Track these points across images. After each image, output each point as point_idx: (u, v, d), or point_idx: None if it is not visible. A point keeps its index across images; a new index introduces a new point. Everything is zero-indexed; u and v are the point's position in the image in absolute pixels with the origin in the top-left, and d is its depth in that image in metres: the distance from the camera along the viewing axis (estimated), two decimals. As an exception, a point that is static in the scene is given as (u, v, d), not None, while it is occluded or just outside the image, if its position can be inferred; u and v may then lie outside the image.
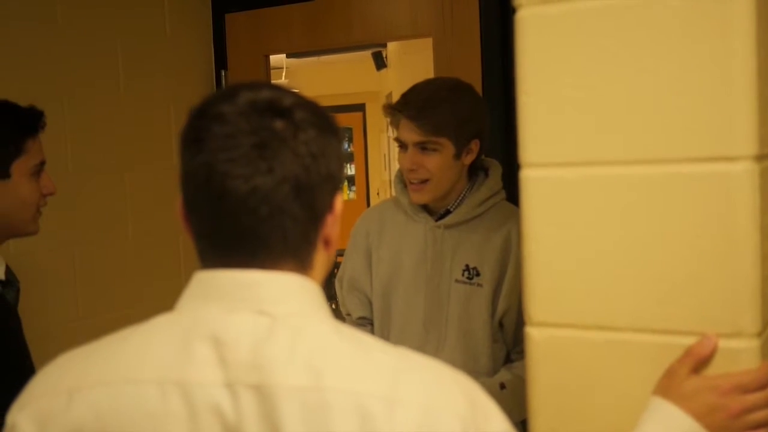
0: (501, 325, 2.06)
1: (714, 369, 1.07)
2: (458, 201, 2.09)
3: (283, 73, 6.00)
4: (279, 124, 0.91)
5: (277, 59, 5.36)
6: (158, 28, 2.82)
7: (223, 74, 2.94)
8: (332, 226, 0.97)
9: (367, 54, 6.20)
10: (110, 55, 2.67)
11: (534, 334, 1.18)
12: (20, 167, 1.69)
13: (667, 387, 1.07)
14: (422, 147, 2.00)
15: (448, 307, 2.04)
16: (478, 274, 2.04)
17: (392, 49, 6.10)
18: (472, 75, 2.50)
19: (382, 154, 7.49)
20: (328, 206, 0.96)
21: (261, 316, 0.91)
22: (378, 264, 2.17)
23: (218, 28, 2.95)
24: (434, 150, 2.00)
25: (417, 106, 2.00)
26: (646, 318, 1.12)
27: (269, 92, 0.94)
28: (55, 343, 1.73)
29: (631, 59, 1.12)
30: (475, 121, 2.05)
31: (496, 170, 2.14)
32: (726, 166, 1.07)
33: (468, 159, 2.06)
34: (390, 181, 7.33)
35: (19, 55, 2.38)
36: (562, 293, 1.17)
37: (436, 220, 2.09)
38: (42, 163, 1.74)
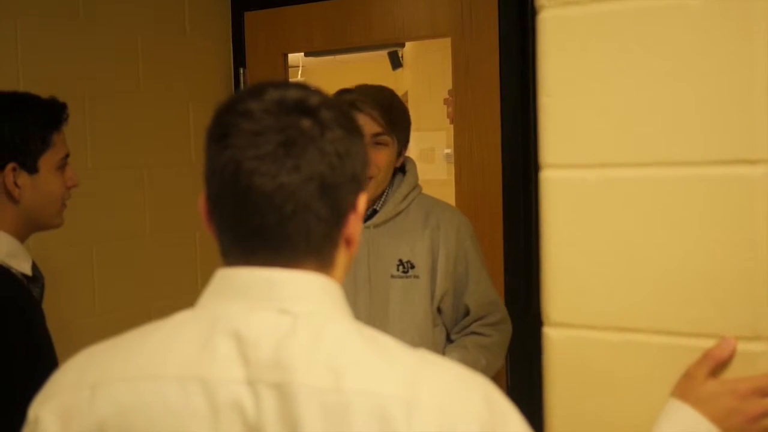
0: (439, 309, 2.17)
1: (732, 372, 1.08)
2: (383, 200, 2.19)
3: (299, 72, 6.00)
4: (306, 123, 0.92)
5: (293, 58, 5.37)
6: (178, 26, 2.84)
7: (241, 72, 2.95)
8: (355, 225, 0.98)
9: (382, 53, 6.20)
10: (130, 52, 2.68)
11: (552, 334, 1.19)
12: (47, 161, 1.70)
13: (684, 389, 1.07)
14: (376, 142, 2.08)
15: (389, 303, 2.11)
16: (412, 267, 2.13)
17: (408, 48, 6.10)
18: (490, 76, 2.50)
19: (397, 153, 7.50)
20: (352, 206, 0.96)
21: (283, 314, 0.91)
22: None
23: (237, 26, 2.96)
24: (385, 145, 2.11)
25: (377, 99, 2.10)
26: (664, 320, 1.13)
27: (297, 91, 0.95)
28: (72, 338, 1.75)
29: (652, 62, 1.12)
30: (409, 128, 2.22)
31: (412, 166, 2.25)
32: (746, 169, 1.07)
33: (399, 162, 2.20)
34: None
35: (41, 51, 2.40)
36: (580, 294, 1.17)
37: (364, 221, 2.12)
38: (66, 156, 1.75)
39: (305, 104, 0.93)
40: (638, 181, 1.14)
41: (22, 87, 1.81)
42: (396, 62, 6.53)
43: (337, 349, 0.90)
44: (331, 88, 2.17)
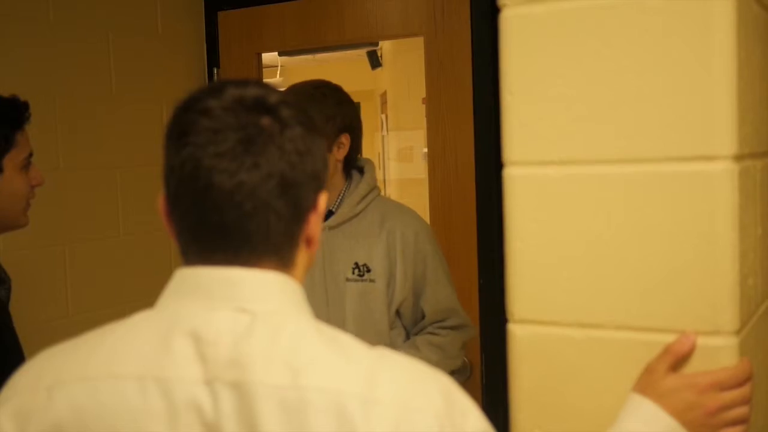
0: (398, 312, 2.16)
1: (692, 367, 1.08)
2: (338, 201, 2.14)
3: (278, 72, 5.99)
4: (265, 121, 0.92)
5: (271, 58, 5.36)
6: (150, 26, 2.82)
7: (215, 72, 2.94)
8: (315, 224, 0.98)
9: (361, 53, 6.19)
10: (102, 53, 2.67)
11: (516, 331, 1.19)
12: (11, 160, 1.70)
13: (645, 384, 1.08)
14: None
15: (345, 306, 2.10)
16: (368, 270, 2.10)
17: (387, 48, 6.10)
18: (463, 74, 2.51)
19: (377, 152, 7.49)
20: (312, 205, 0.96)
21: (241, 313, 0.91)
22: None
23: (211, 26, 2.95)
24: None
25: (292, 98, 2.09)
26: (626, 315, 1.13)
27: (256, 89, 0.94)
28: (44, 340, 1.72)
29: (613, 59, 1.13)
30: (340, 116, 2.10)
31: (370, 167, 2.21)
32: (705, 166, 1.08)
33: (340, 153, 2.12)
34: (385, 180, 7.33)
35: (10, 51, 2.38)
36: (543, 291, 1.18)
37: None
38: (30, 155, 1.74)
39: (264, 102, 0.93)
40: (600, 177, 1.14)
41: None
42: (375, 62, 6.52)
43: (295, 347, 0.90)
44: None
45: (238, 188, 0.90)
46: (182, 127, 0.93)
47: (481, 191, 2.51)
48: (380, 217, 2.14)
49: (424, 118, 5.76)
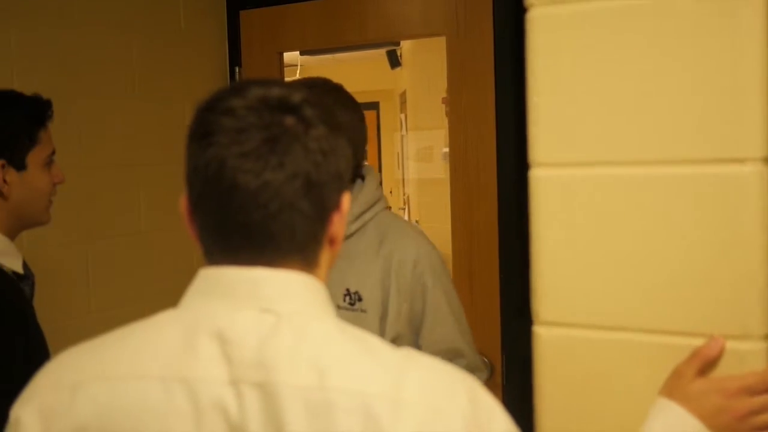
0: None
1: (721, 371, 1.07)
2: None
3: (298, 71, 6.00)
4: (289, 120, 0.91)
5: (292, 57, 5.37)
6: (173, 25, 2.83)
7: (237, 71, 2.94)
8: (338, 224, 0.97)
9: (381, 52, 6.19)
10: (125, 51, 2.68)
11: (541, 332, 1.19)
12: (35, 158, 1.71)
13: (673, 388, 1.07)
14: None
15: None
16: (360, 299, 1.86)
17: (406, 47, 6.10)
18: (485, 74, 2.50)
19: (396, 152, 7.49)
20: (336, 204, 0.96)
21: (265, 314, 0.90)
22: None
23: (233, 25, 2.95)
24: None
25: None
26: (653, 319, 1.12)
27: (279, 89, 0.94)
28: (66, 337, 1.74)
29: (642, 60, 1.12)
30: (347, 121, 1.79)
31: (372, 177, 1.92)
32: (735, 168, 1.07)
33: None
34: (403, 179, 7.33)
35: (34, 48, 2.40)
36: (569, 292, 1.17)
37: None
38: (53, 153, 1.76)
39: (288, 102, 0.93)
40: (629, 179, 1.13)
41: (16, 87, 1.81)
42: (394, 61, 6.53)
43: (320, 347, 0.90)
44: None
45: (264, 188, 0.89)
46: (206, 127, 0.92)
47: (503, 191, 2.50)
48: (379, 238, 1.87)
49: (444, 118, 5.76)
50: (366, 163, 1.96)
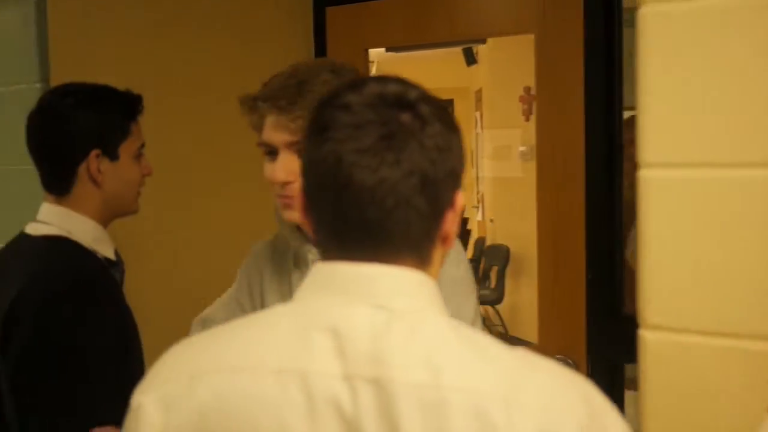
0: None
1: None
2: None
3: (374, 67, 6.03)
4: (406, 117, 0.92)
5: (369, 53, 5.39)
6: (260, 21, 2.86)
7: (322, 67, 2.96)
8: (452, 222, 0.97)
9: (457, 49, 6.18)
10: (209, 47, 2.71)
11: (647, 336, 1.17)
12: (126, 149, 1.77)
13: None
14: (299, 149, 1.44)
15: None
16: None
17: (483, 45, 6.06)
18: (574, 73, 2.46)
19: (470, 150, 7.46)
20: (450, 202, 0.96)
21: (379, 310, 0.91)
22: None
23: (319, 22, 2.98)
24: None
25: (288, 94, 1.48)
26: (764, 326, 1.09)
27: (396, 85, 0.94)
28: (149, 325, 1.79)
29: (757, 59, 1.09)
30: None
31: None
32: None
33: None
34: (477, 177, 7.29)
35: (121, 47, 2.45)
36: (677, 296, 1.14)
37: (308, 255, 1.59)
38: (142, 146, 1.82)
39: (405, 98, 0.93)
40: (741, 181, 1.11)
41: (114, 83, 1.86)
42: (470, 58, 6.50)
43: (434, 345, 0.90)
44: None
45: (380, 185, 0.90)
46: (323, 122, 0.93)
47: (591, 191, 2.46)
48: None
49: (521, 117, 5.71)
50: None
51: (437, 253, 0.98)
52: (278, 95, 1.48)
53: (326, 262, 0.95)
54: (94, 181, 1.73)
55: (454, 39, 2.77)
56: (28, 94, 2.17)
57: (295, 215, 1.46)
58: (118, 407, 1.56)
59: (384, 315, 0.91)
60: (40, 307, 1.60)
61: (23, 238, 1.77)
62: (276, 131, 1.48)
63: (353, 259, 0.93)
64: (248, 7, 2.83)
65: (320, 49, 2.97)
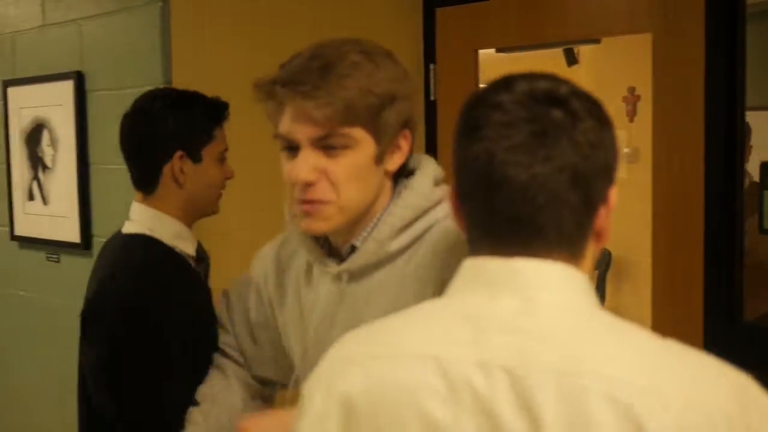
0: None
1: None
2: (369, 230, 1.34)
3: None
4: (557, 114, 0.93)
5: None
6: (369, 21, 2.88)
7: (431, 68, 2.97)
8: (605, 218, 0.98)
9: (557, 49, 6.09)
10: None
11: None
12: (210, 153, 1.82)
13: None
14: (324, 146, 1.26)
15: None
16: None
17: (585, 45, 5.97)
18: (694, 75, 2.39)
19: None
20: (603, 198, 0.97)
21: (524, 302, 0.92)
22: (284, 330, 1.55)
23: (428, 23, 2.98)
24: (344, 148, 1.26)
25: (313, 77, 1.25)
26: None
27: (546, 82, 0.96)
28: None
29: None
30: (402, 99, 1.30)
31: (425, 172, 1.36)
32: None
33: (394, 163, 1.33)
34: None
35: (210, 52, 2.48)
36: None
37: (340, 264, 1.38)
38: (226, 150, 1.88)
39: (555, 95, 0.94)
40: None
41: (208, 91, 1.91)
42: (571, 59, 6.39)
43: (574, 333, 0.90)
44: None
45: (532, 181, 0.91)
46: (474, 121, 0.96)
47: (710, 199, 2.38)
48: (428, 264, 1.30)
49: (624, 117, 5.61)
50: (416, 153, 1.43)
51: (590, 249, 0.98)
52: (300, 79, 1.25)
53: (477, 258, 0.97)
54: (177, 182, 1.79)
55: (567, 39, 2.75)
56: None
57: (317, 225, 1.29)
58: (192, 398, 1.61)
59: (528, 306, 0.92)
60: (110, 301, 1.68)
61: (116, 235, 1.87)
62: (297, 122, 1.26)
63: (504, 254, 0.95)
64: (358, 9, 2.86)
65: (429, 50, 2.98)
